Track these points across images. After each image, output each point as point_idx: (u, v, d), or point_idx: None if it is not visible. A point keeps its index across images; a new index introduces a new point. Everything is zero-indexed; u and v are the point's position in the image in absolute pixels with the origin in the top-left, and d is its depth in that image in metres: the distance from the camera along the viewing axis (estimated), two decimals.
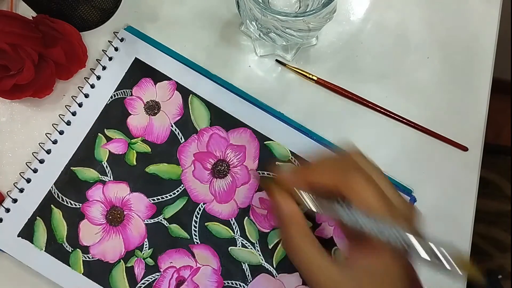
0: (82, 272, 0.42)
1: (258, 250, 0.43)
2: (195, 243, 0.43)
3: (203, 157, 0.44)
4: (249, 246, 0.43)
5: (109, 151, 0.44)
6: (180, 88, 0.45)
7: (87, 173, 0.43)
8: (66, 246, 0.42)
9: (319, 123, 0.45)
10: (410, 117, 0.46)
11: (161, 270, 0.42)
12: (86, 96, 0.44)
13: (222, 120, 0.44)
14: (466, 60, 0.47)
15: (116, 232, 0.43)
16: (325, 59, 0.47)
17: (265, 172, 0.44)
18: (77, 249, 0.42)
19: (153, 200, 0.43)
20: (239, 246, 0.43)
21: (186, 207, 0.43)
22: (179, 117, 0.44)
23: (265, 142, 0.44)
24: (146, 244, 0.43)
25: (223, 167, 0.44)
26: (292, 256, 0.32)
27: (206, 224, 0.43)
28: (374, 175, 0.31)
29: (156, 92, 0.45)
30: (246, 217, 0.43)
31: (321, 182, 0.31)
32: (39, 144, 0.43)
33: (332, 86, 0.46)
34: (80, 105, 0.44)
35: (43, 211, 0.42)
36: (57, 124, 0.44)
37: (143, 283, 0.42)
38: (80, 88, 0.44)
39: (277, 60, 0.46)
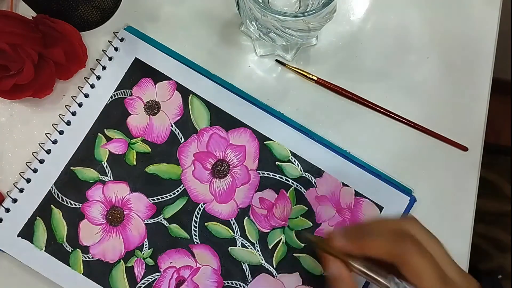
0: (82, 272, 0.42)
1: (258, 250, 0.43)
2: (195, 243, 0.43)
3: (203, 157, 0.44)
4: (249, 246, 0.43)
5: (109, 151, 0.44)
6: (180, 88, 0.45)
7: (87, 173, 0.43)
8: (66, 246, 0.42)
9: (319, 123, 0.45)
10: (410, 117, 0.46)
11: (161, 270, 0.42)
12: (86, 96, 0.44)
13: (222, 120, 0.44)
14: (466, 60, 0.47)
15: (116, 232, 0.43)
16: (325, 59, 0.47)
17: (265, 172, 0.44)
18: (77, 249, 0.42)
19: (153, 200, 0.43)
20: (239, 246, 0.43)
21: (186, 207, 0.43)
22: (179, 117, 0.44)
23: (265, 142, 0.44)
24: (146, 244, 0.43)
25: (223, 167, 0.44)
26: None
27: (206, 224, 0.43)
28: (431, 246, 0.30)
29: (156, 92, 0.45)
30: (246, 217, 0.43)
31: (377, 255, 0.31)
32: (39, 144, 0.43)
33: (332, 86, 0.46)
34: (80, 105, 0.44)
35: (43, 211, 0.42)
36: (57, 124, 0.44)
37: (143, 283, 0.42)
38: (80, 88, 0.44)
39: (277, 60, 0.46)
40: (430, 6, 0.48)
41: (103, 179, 0.43)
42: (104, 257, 0.42)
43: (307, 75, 0.46)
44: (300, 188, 0.44)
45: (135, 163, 0.44)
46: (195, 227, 0.43)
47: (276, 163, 0.44)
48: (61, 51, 0.42)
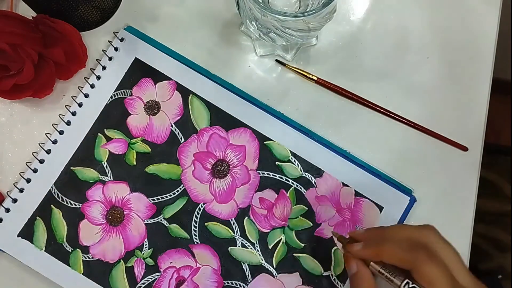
0: (82, 272, 0.42)
1: (258, 250, 0.43)
2: (195, 243, 0.43)
3: (203, 157, 0.44)
4: (249, 246, 0.43)
5: (109, 151, 0.44)
6: (180, 88, 0.45)
7: (87, 173, 0.43)
8: (66, 246, 0.42)
9: (319, 123, 0.45)
10: (410, 117, 0.46)
11: (161, 270, 0.42)
12: (86, 96, 0.44)
13: (222, 120, 0.44)
14: (466, 60, 0.47)
15: (116, 232, 0.43)
16: (325, 59, 0.47)
17: (265, 172, 0.44)
18: (77, 249, 0.42)
19: (153, 200, 0.43)
20: (239, 246, 0.43)
21: (186, 207, 0.43)
22: (179, 117, 0.44)
23: (265, 142, 0.44)
24: (146, 244, 0.43)
25: (223, 167, 0.44)
26: None
27: (206, 224, 0.43)
28: (446, 254, 0.32)
29: (156, 92, 0.45)
30: (246, 217, 0.43)
31: (392, 262, 0.33)
32: (39, 144, 0.43)
33: (332, 86, 0.46)
34: (80, 105, 0.44)
35: (43, 211, 0.42)
36: (57, 124, 0.44)
37: (143, 283, 0.42)
38: (80, 88, 0.44)
39: (277, 60, 0.46)
40: (430, 6, 0.48)
41: (103, 179, 0.43)
42: (104, 257, 0.42)
43: (307, 75, 0.46)
44: (300, 188, 0.44)
45: (135, 163, 0.44)
46: (195, 227, 0.43)
47: (276, 163, 0.44)
48: (61, 51, 0.42)
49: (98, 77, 0.45)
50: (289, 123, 0.44)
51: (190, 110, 0.45)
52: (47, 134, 0.43)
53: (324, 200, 0.44)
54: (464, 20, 0.48)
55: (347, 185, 0.44)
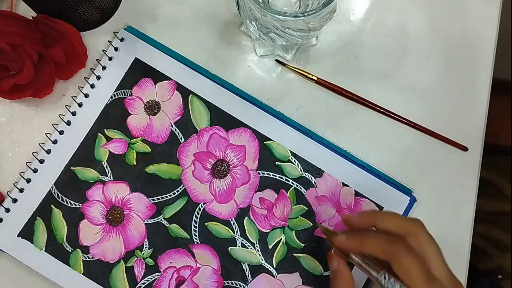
0: (82, 272, 0.42)
1: (258, 250, 0.43)
2: (195, 243, 0.43)
3: (203, 157, 0.44)
4: (249, 246, 0.43)
5: (109, 151, 0.44)
6: (180, 88, 0.45)
7: (87, 173, 0.43)
8: (66, 246, 0.42)
9: (319, 123, 0.45)
10: (410, 117, 0.46)
11: (161, 270, 0.42)
12: (86, 96, 0.44)
13: (222, 120, 0.44)
14: (466, 60, 0.47)
15: (116, 232, 0.43)
16: (325, 59, 0.47)
17: (265, 172, 0.44)
18: (77, 249, 0.42)
19: (153, 200, 0.43)
20: (239, 246, 0.43)
21: (186, 207, 0.43)
22: (179, 117, 0.44)
23: (265, 142, 0.44)
24: (146, 244, 0.43)
25: (223, 167, 0.44)
26: None
27: (206, 224, 0.43)
28: (427, 247, 0.34)
29: (156, 92, 0.45)
30: (246, 217, 0.43)
31: (372, 253, 0.34)
32: (39, 144, 0.43)
33: (332, 86, 0.46)
34: (80, 105, 0.44)
35: (43, 211, 0.42)
36: (57, 124, 0.44)
37: (143, 283, 0.42)
38: (80, 88, 0.44)
39: (277, 60, 0.46)
40: (430, 6, 0.48)
41: (103, 179, 0.43)
42: (104, 257, 0.42)
43: (307, 75, 0.46)
44: (300, 188, 0.44)
45: (135, 163, 0.44)
46: (195, 227, 0.43)
47: (276, 163, 0.44)
48: (61, 51, 0.42)
49: (98, 77, 0.45)
50: (289, 123, 0.44)
51: (190, 110, 0.45)
52: (47, 134, 0.43)
53: (324, 200, 0.44)
54: (464, 20, 0.48)
55: (347, 185, 0.44)
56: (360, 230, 0.37)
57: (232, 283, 0.42)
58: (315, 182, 0.44)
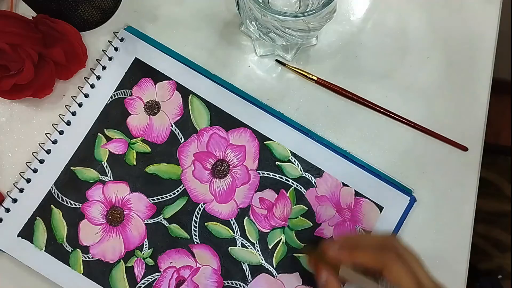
0: (82, 272, 0.42)
1: (258, 250, 0.43)
2: (195, 243, 0.43)
3: (203, 157, 0.44)
4: (249, 246, 0.43)
5: (109, 151, 0.44)
6: (180, 88, 0.45)
7: (87, 173, 0.43)
8: (66, 246, 0.42)
9: (319, 123, 0.45)
10: (410, 117, 0.46)
11: (161, 270, 0.42)
12: (86, 96, 0.44)
13: (222, 120, 0.44)
14: (466, 60, 0.47)
15: (116, 232, 0.43)
16: (325, 59, 0.47)
17: (265, 172, 0.44)
18: (77, 249, 0.42)
19: (153, 200, 0.43)
20: (239, 246, 0.43)
21: (186, 207, 0.43)
22: (179, 117, 0.44)
23: (265, 142, 0.44)
24: (146, 244, 0.43)
25: (223, 167, 0.44)
26: None
27: (206, 224, 0.43)
28: (410, 259, 0.35)
29: (156, 92, 0.45)
30: (246, 217, 0.43)
31: (364, 262, 0.35)
32: (39, 144, 0.43)
33: (332, 86, 0.46)
34: (80, 105, 0.44)
35: (43, 211, 0.42)
36: (57, 124, 0.44)
37: (143, 283, 0.42)
38: (80, 88, 0.44)
39: (277, 60, 0.46)
40: (430, 6, 0.48)
41: (103, 179, 0.43)
42: (104, 257, 0.42)
43: (307, 75, 0.46)
44: (300, 188, 0.44)
45: (135, 163, 0.44)
46: (195, 227, 0.43)
47: (276, 163, 0.44)
48: (61, 51, 0.42)
49: (98, 77, 0.45)
50: (289, 123, 0.44)
51: (190, 110, 0.45)
52: (47, 134, 0.43)
53: (324, 200, 0.44)
54: (464, 20, 0.48)
55: (347, 185, 0.44)
56: (350, 242, 0.38)
57: (232, 283, 0.42)
58: (315, 182, 0.44)
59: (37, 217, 0.42)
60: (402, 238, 0.44)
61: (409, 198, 0.44)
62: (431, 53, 0.47)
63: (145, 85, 0.45)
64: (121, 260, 0.42)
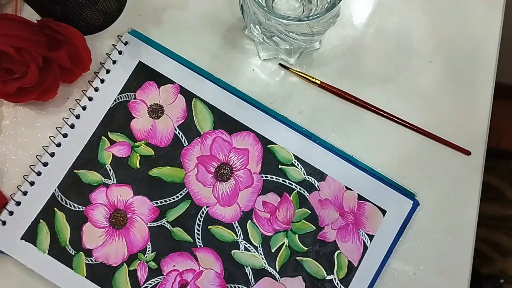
0: (85, 275, 0.42)
1: (261, 254, 0.43)
2: (198, 246, 0.43)
3: (206, 160, 0.44)
4: (252, 249, 0.43)
5: (113, 154, 0.44)
6: (184, 92, 0.45)
7: (90, 176, 0.43)
8: (69, 249, 0.42)
9: (322, 127, 0.45)
10: (413, 121, 0.46)
11: (164, 274, 0.42)
12: (90, 99, 0.44)
13: (225, 123, 0.44)
14: (469, 64, 0.47)
15: (119, 235, 0.43)
16: (328, 63, 0.47)
17: (268, 176, 0.44)
18: (80, 252, 0.42)
19: (156, 203, 0.43)
20: (242, 250, 0.43)
21: (189, 210, 0.43)
22: (183, 121, 0.45)
23: (268, 146, 0.44)
24: (149, 247, 0.43)
25: (226, 171, 0.44)
26: None
27: (209, 227, 0.43)
28: None
29: (160, 95, 0.45)
30: (249, 221, 0.43)
31: None
32: (42, 147, 0.43)
33: (335, 90, 0.46)
34: (83, 108, 0.44)
35: (47, 214, 0.42)
36: (61, 127, 0.44)
37: (146, 287, 0.42)
38: (84, 91, 0.45)
39: (280, 64, 0.46)
40: (433, 10, 0.48)
41: (107, 182, 0.43)
42: (107, 260, 0.42)
43: (311, 78, 0.46)
44: (303, 191, 0.44)
45: (138, 166, 0.44)
46: (198, 230, 0.43)
47: (279, 166, 0.44)
48: (66, 55, 0.42)
49: (102, 81, 0.45)
50: (292, 127, 0.45)
51: (193, 114, 0.45)
52: (50, 137, 0.44)
53: (327, 204, 0.44)
54: (466, 25, 0.48)
55: (350, 189, 0.44)
56: None
57: (235, 287, 0.42)
58: (318, 186, 0.44)
59: (41, 220, 0.42)
60: (405, 242, 0.44)
61: (412, 202, 0.44)
62: (434, 58, 0.47)
63: (149, 88, 0.45)
64: (124, 263, 0.42)
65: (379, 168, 0.45)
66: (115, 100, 0.45)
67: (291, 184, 0.44)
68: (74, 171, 0.43)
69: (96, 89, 0.45)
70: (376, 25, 0.48)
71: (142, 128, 0.44)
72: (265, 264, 0.43)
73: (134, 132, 0.44)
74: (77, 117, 0.44)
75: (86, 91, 0.44)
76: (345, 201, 0.44)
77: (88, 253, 0.42)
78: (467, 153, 0.45)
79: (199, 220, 0.43)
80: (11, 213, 0.42)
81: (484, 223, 1.02)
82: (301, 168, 0.44)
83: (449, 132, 0.46)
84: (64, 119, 0.44)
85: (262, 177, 0.44)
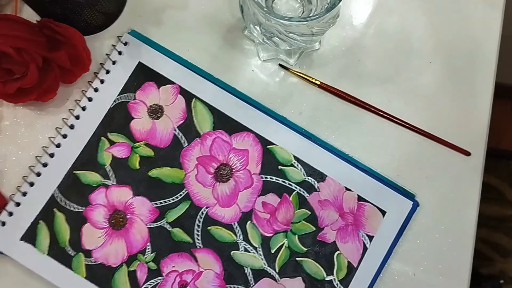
0: (85, 276, 0.42)
1: (260, 254, 0.43)
2: (198, 247, 0.43)
3: (206, 161, 0.44)
4: (251, 250, 0.43)
5: (112, 155, 0.44)
6: (184, 92, 0.45)
7: (90, 176, 0.43)
8: (69, 250, 0.42)
9: (322, 128, 0.45)
10: (413, 121, 0.46)
11: (164, 274, 0.42)
12: (90, 100, 0.44)
13: (225, 124, 0.44)
14: (468, 65, 0.47)
15: (119, 236, 0.43)
16: (328, 63, 0.47)
17: (268, 176, 0.44)
18: (80, 253, 0.42)
19: (156, 204, 0.43)
20: (241, 250, 0.43)
21: (188, 211, 0.43)
22: (182, 121, 0.45)
23: (268, 146, 0.44)
24: (148, 248, 0.43)
25: (226, 171, 0.44)
26: None
27: (208, 228, 0.43)
28: None
29: (160, 96, 0.45)
30: (249, 221, 0.43)
31: None
32: (42, 147, 0.43)
33: (335, 91, 0.46)
34: (83, 109, 0.44)
35: (46, 214, 0.42)
36: (61, 128, 0.44)
37: (146, 287, 0.42)
38: (83, 92, 0.44)
39: (280, 65, 0.46)
40: (432, 11, 0.48)
41: (106, 183, 0.43)
42: (107, 261, 0.42)
43: (310, 79, 0.46)
44: (303, 192, 0.44)
45: (138, 167, 0.44)
46: (198, 231, 0.43)
47: (279, 167, 0.44)
48: (65, 55, 0.42)
49: (102, 81, 0.45)
50: (292, 127, 0.45)
51: (193, 114, 0.45)
52: (50, 138, 0.44)
53: (327, 205, 0.44)
54: (466, 25, 0.48)
55: (350, 190, 0.44)
56: None
57: None
58: (318, 187, 0.44)
59: (40, 221, 0.42)
60: (405, 242, 0.44)
61: (412, 202, 0.44)
62: (434, 58, 0.47)
63: (149, 89, 0.45)
64: (124, 264, 0.42)
65: (379, 168, 0.45)
66: (114, 101, 0.45)
67: (291, 185, 0.44)
68: (74, 171, 0.43)
69: (96, 90, 0.45)
70: (376, 26, 0.48)
71: (142, 129, 0.44)
72: (265, 264, 0.43)
73: (134, 132, 0.44)
74: (77, 117, 0.44)
75: (86, 91, 0.44)
76: (345, 201, 0.44)
77: (88, 253, 0.42)
78: (467, 153, 0.45)
79: (199, 221, 0.43)
80: (10, 214, 0.42)
81: (484, 223, 1.02)
82: (300, 168, 0.44)
83: (449, 133, 0.46)
84: (64, 119, 0.44)
85: (262, 177, 0.44)
